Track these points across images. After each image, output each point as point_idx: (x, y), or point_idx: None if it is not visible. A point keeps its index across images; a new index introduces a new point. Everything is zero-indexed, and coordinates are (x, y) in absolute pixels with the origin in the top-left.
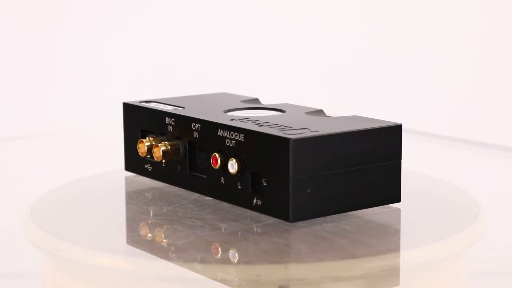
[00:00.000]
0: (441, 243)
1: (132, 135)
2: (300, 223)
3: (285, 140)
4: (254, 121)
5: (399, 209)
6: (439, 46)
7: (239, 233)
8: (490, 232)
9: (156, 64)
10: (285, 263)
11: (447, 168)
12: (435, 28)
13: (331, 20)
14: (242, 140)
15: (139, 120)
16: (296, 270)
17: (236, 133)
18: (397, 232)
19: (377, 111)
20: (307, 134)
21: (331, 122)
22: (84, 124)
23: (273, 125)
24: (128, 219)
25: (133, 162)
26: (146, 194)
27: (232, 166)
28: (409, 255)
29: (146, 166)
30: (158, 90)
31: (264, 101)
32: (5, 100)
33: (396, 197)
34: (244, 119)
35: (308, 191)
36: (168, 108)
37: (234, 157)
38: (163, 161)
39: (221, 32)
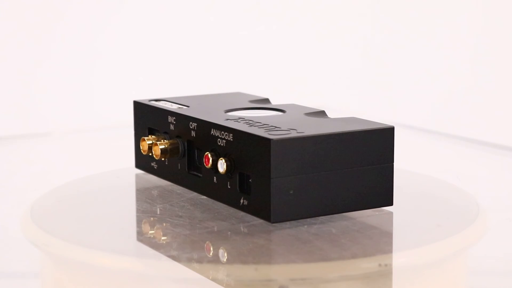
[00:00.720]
0: (438, 245)
1: (141, 133)
2: (286, 225)
3: (267, 141)
4: (248, 121)
5: (391, 212)
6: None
7: (220, 232)
8: (490, 232)
9: (173, 63)
10: (257, 263)
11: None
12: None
13: (352, 20)
14: (231, 140)
15: (147, 118)
16: (265, 271)
17: (226, 133)
18: (384, 234)
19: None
20: (292, 135)
21: (323, 124)
22: (107, 122)
23: (264, 125)
24: (128, 219)
25: (142, 160)
26: (152, 192)
27: (221, 166)
28: (405, 256)
29: (152, 164)
30: (175, 89)
31: (277, 101)
32: (11, 98)
33: (388, 201)
34: (239, 119)
35: (291, 192)
36: (173, 107)
37: (224, 157)
38: (164, 159)
39: (240, 32)
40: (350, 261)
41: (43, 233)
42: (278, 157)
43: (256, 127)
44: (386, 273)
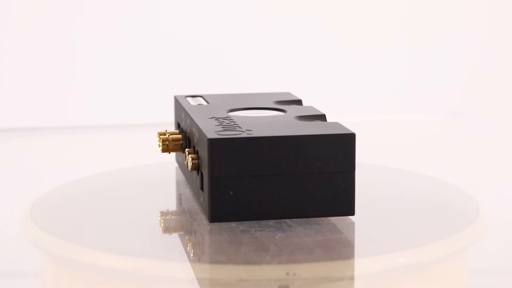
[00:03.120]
0: (439, 245)
1: (176, 128)
2: (240, 226)
3: (206, 140)
4: (227, 121)
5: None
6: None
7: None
8: (490, 232)
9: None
10: (164, 259)
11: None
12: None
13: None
14: (198, 138)
15: (177, 113)
16: (168, 268)
17: (197, 131)
18: (332, 243)
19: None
20: (235, 135)
21: (291, 126)
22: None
23: (233, 125)
24: (129, 218)
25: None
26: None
27: (189, 163)
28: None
29: (179, 159)
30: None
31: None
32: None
33: (348, 210)
34: (225, 118)
35: (231, 192)
36: (191, 103)
37: (193, 155)
38: (169, 153)
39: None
40: (349, 261)
41: (43, 233)
42: (216, 157)
43: (219, 126)
44: (386, 273)
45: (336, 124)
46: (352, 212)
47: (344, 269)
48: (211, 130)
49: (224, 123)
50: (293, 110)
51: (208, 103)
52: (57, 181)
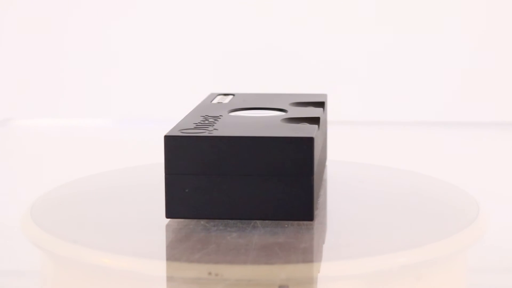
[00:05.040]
0: (439, 245)
1: None
2: (202, 226)
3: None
4: (212, 120)
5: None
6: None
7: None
8: (490, 232)
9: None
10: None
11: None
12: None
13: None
14: None
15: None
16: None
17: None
18: (276, 247)
19: None
20: (195, 133)
21: (259, 127)
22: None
23: (210, 124)
24: (130, 219)
25: None
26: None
27: None
28: (404, 256)
29: None
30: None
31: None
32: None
33: (307, 215)
34: (216, 117)
35: (186, 190)
36: (212, 101)
37: None
38: None
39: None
40: (348, 261)
41: (43, 233)
42: (171, 154)
43: (196, 124)
44: (386, 273)
45: (307, 128)
46: (310, 218)
47: (270, 273)
48: (180, 128)
49: (206, 122)
50: (296, 111)
51: (228, 102)
52: (57, 181)
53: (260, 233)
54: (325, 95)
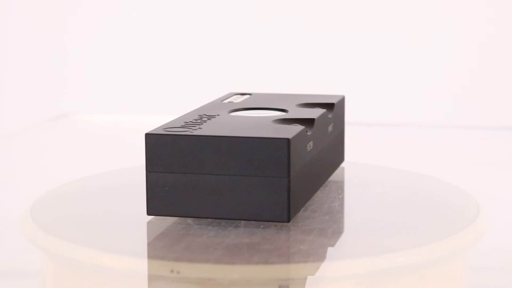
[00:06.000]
0: (439, 244)
1: None
2: (186, 224)
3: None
4: (206, 119)
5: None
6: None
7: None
8: (490, 232)
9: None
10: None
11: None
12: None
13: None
14: None
15: None
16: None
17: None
18: (244, 247)
19: None
20: (177, 132)
21: (245, 127)
22: None
23: (199, 123)
24: (130, 219)
25: None
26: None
27: None
28: (404, 256)
29: None
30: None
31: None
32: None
33: (282, 215)
34: (212, 116)
35: (166, 188)
36: (223, 101)
37: None
38: None
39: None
40: (347, 261)
41: (43, 233)
42: (152, 152)
43: (186, 123)
44: (385, 273)
45: (291, 129)
46: (285, 218)
47: (228, 272)
48: (168, 126)
49: (198, 121)
50: (296, 112)
51: (239, 101)
52: (57, 181)
53: (238, 233)
54: (340, 96)
